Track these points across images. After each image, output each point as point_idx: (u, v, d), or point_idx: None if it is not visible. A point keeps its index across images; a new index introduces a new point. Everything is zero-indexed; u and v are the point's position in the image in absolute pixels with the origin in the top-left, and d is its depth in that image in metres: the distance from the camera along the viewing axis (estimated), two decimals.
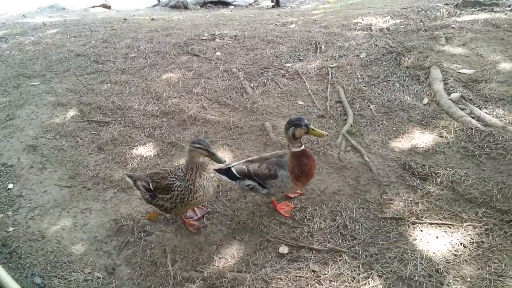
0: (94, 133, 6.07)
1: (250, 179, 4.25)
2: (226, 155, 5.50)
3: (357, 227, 4.31)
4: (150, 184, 4.15)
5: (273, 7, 15.87)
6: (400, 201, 4.55)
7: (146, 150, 5.70)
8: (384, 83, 6.78)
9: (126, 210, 4.76)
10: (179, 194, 4.02)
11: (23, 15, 13.56)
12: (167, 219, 4.61)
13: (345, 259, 3.98)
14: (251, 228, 4.42)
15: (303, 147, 4.05)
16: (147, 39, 9.24)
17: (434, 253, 3.98)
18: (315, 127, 4.07)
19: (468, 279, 3.72)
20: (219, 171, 4.47)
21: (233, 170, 4.35)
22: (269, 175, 4.14)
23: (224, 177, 4.43)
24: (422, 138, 5.41)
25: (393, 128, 5.75)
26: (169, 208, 4.15)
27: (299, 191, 4.78)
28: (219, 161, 3.95)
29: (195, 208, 4.60)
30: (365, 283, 3.75)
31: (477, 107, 5.80)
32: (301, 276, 3.85)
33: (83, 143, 5.88)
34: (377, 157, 5.23)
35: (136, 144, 5.81)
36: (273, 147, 5.52)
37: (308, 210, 4.55)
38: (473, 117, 5.61)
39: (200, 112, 6.41)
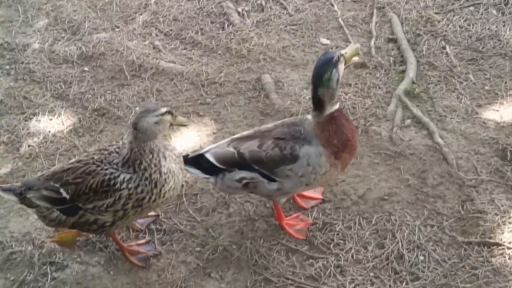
0: None
1: (244, 168, 4.29)
2: (194, 132, 5.48)
3: (421, 258, 4.34)
4: (62, 190, 4.15)
5: None
6: (497, 214, 4.56)
7: (54, 123, 5.64)
8: (471, 7, 6.71)
9: (20, 226, 4.73)
10: (132, 194, 4.06)
11: None
12: (91, 243, 4.57)
13: None
14: (237, 259, 4.42)
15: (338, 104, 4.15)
16: None
17: None
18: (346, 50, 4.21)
19: None
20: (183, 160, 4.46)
21: (209, 156, 4.35)
22: (282, 158, 4.17)
23: (192, 170, 4.43)
24: None
25: (486, 87, 5.73)
26: (109, 223, 4.16)
27: (320, 195, 4.81)
28: (183, 123, 4.25)
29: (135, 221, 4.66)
30: None
31: None
32: None
33: None
34: (457, 137, 5.22)
35: (37, 111, 5.76)
36: (276, 117, 5.49)
37: (337, 229, 4.55)
38: None
39: (149, 56, 6.30)
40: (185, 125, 4.34)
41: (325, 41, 6.41)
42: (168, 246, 4.53)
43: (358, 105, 5.57)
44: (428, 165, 4.98)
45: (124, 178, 4.02)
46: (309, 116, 4.28)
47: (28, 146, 5.40)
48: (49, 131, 5.54)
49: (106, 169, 4.05)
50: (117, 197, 4.02)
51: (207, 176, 4.40)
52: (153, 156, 4.02)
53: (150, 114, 3.96)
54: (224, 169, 4.32)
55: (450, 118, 5.40)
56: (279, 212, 4.56)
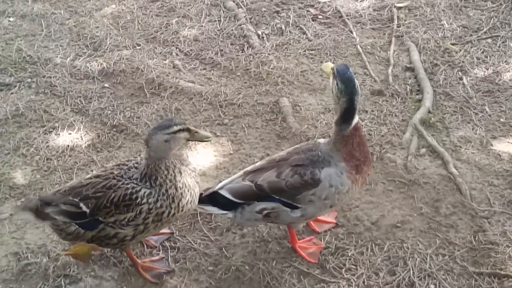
0: None
1: (263, 200, 4.31)
2: (211, 152, 5.54)
3: (432, 287, 4.34)
4: (82, 204, 4.19)
5: None
6: (508, 246, 4.56)
7: (73, 137, 5.71)
8: (489, 40, 6.79)
9: (36, 237, 4.76)
10: (152, 209, 4.11)
11: None
12: (105, 258, 4.61)
13: None
14: (249, 279, 4.44)
15: None
16: None
17: None
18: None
19: None
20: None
21: (225, 193, 4.38)
22: (303, 184, 4.20)
23: (209, 208, 4.46)
24: None
25: (501, 120, 5.77)
26: (129, 237, 4.20)
27: (333, 220, 4.85)
28: (204, 138, 4.19)
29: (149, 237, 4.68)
30: None
31: None
32: None
33: None
34: (471, 168, 5.25)
35: (57, 125, 5.83)
36: (292, 141, 5.56)
37: (349, 254, 4.58)
38: None
39: (169, 75, 6.40)
40: (207, 141, 4.32)
41: None
42: (181, 264, 4.57)
43: (374, 132, 5.62)
44: (441, 195, 5.01)
45: (144, 192, 4.07)
46: (321, 140, 4.38)
47: (47, 159, 5.47)
48: (68, 145, 5.62)
49: (128, 184, 4.11)
50: (138, 212, 4.08)
51: (225, 212, 4.42)
52: (168, 172, 4.06)
53: (160, 132, 3.98)
54: (242, 203, 4.35)
55: (465, 149, 5.44)
56: (292, 234, 4.60)
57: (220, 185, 4.45)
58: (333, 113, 5.66)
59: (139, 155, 4.91)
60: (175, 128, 3.98)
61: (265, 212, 4.30)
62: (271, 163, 4.38)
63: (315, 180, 4.16)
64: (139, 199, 4.06)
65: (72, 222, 4.21)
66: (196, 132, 4.10)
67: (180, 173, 4.12)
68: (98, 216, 4.13)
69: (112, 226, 4.13)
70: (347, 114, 4.05)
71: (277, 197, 4.25)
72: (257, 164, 4.50)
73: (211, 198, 4.43)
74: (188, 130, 4.05)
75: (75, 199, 4.17)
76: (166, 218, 4.14)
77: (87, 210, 4.13)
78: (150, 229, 4.18)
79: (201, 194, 4.43)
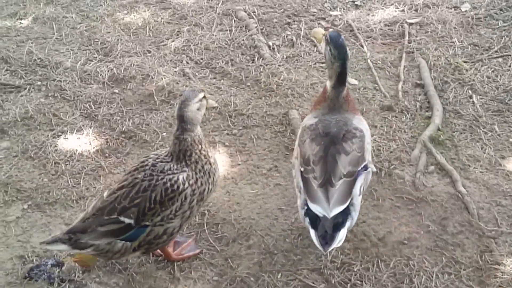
0: None
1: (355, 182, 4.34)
2: (219, 162, 5.47)
3: None
4: (122, 218, 4.10)
5: None
6: None
7: (81, 142, 5.75)
8: (500, 59, 6.81)
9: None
10: (195, 190, 4.23)
11: None
12: (110, 264, 4.63)
13: None
14: None
15: None
16: None
17: None
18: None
19: None
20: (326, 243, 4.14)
21: (337, 208, 4.12)
22: (361, 140, 4.48)
23: (342, 234, 4.14)
24: None
25: (510, 140, 5.79)
26: (177, 229, 4.27)
27: None
28: (213, 105, 4.68)
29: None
30: None
31: None
32: None
33: None
34: (479, 187, 5.27)
35: (66, 129, 5.88)
36: None
37: (355, 269, 4.59)
38: None
39: (178, 83, 6.44)
40: (215, 107, 4.84)
41: (353, 81, 6.50)
42: (186, 273, 4.58)
43: (383, 148, 5.64)
44: (449, 213, 5.02)
45: (183, 177, 4.17)
46: (307, 121, 4.76)
47: (55, 163, 5.51)
48: (76, 150, 5.65)
49: (162, 178, 4.15)
50: (183, 198, 4.17)
51: (347, 223, 4.21)
52: (202, 147, 4.26)
53: (191, 102, 4.21)
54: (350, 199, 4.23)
55: (474, 168, 5.46)
56: None
57: (325, 209, 4.14)
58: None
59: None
60: (201, 95, 4.30)
61: (362, 187, 4.39)
62: (319, 160, 4.32)
63: (362, 131, 4.55)
64: (181, 186, 4.15)
65: (116, 240, 4.19)
66: (208, 99, 4.47)
67: (208, 147, 4.37)
68: (145, 221, 4.13)
69: (160, 224, 4.18)
70: (342, 77, 4.58)
71: (360, 168, 4.37)
72: (311, 176, 4.30)
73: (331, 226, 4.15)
74: (205, 97, 4.39)
75: (112, 216, 4.15)
76: (207, 195, 4.34)
77: (132, 221, 4.12)
78: (194, 212, 4.35)
79: (325, 233, 4.11)
